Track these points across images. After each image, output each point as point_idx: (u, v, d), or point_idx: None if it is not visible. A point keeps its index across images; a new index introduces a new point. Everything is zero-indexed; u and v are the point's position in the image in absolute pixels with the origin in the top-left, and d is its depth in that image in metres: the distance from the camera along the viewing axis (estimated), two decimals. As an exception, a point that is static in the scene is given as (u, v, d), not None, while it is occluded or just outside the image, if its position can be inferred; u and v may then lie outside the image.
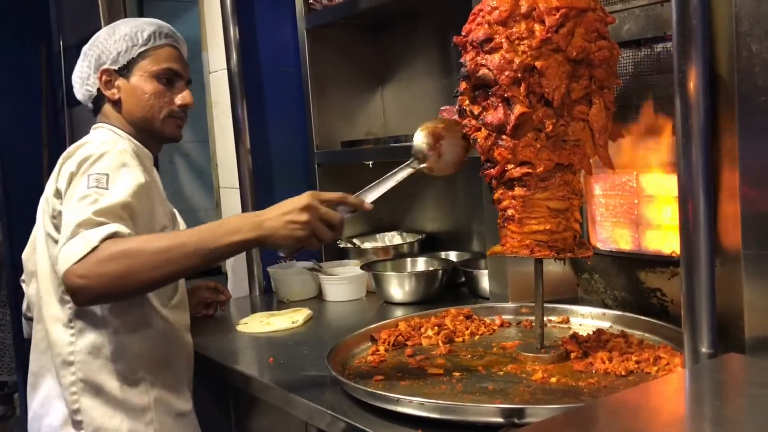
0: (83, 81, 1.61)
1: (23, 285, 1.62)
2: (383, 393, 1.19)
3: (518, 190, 1.31)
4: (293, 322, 1.86)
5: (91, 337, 1.45)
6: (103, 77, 1.57)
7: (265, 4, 2.38)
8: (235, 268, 2.39)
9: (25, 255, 1.59)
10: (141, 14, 3.05)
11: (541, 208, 1.31)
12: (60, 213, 1.40)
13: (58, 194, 1.43)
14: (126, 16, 2.52)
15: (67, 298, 1.43)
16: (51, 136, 3.81)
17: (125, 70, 1.57)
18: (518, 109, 1.25)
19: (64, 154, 1.47)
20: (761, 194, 1.17)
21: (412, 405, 1.14)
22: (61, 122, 3.76)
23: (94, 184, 1.35)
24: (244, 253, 2.27)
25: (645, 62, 1.50)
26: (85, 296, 1.28)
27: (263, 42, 2.38)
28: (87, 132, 1.64)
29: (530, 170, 1.29)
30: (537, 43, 1.23)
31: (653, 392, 0.99)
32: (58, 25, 3.76)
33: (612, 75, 1.30)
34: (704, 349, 1.06)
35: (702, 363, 1.05)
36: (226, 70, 2.27)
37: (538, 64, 1.24)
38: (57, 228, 1.42)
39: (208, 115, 2.54)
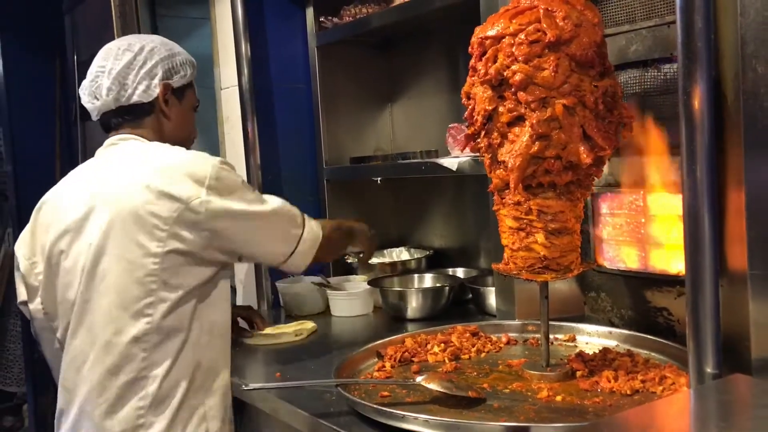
0: (144, 84, 1.58)
1: (23, 307, 1.59)
2: (389, 410, 1.20)
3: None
4: (296, 336, 1.88)
5: (165, 352, 1.44)
6: (163, 90, 1.60)
7: (276, 22, 2.41)
8: (243, 282, 2.41)
9: (25, 269, 1.56)
10: (155, 30, 3.08)
11: (503, 223, 1.38)
12: (212, 214, 1.44)
13: (171, 198, 1.43)
14: (140, 33, 2.56)
15: (149, 311, 1.42)
16: (64, 149, 3.85)
17: (178, 92, 1.64)
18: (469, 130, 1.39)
19: (166, 170, 1.46)
20: (766, 214, 1.17)
21: (418, 422, 1.15)
22: (74, 136, 3.80)
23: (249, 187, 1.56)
24: (253, 268, 2.29)
25: (652, 83, 1.51)
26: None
27: (274, 59, 2.41)
28: (99, 145, 1.63)
29: (492, 186, 1.39)
30: (470, 72, 1.36)
31: (657, 412, 0.99)
32: (72, 41, 3.82)
33: (550, 95, 1.26)
34: (709, 370, 1.06)
35: (707, 383, 1.04)
36: (237, 86, 2.30)
37: (471, 91, 1.35)
38: (157, 228, 1.42)
39: (219, 130, 2.57)
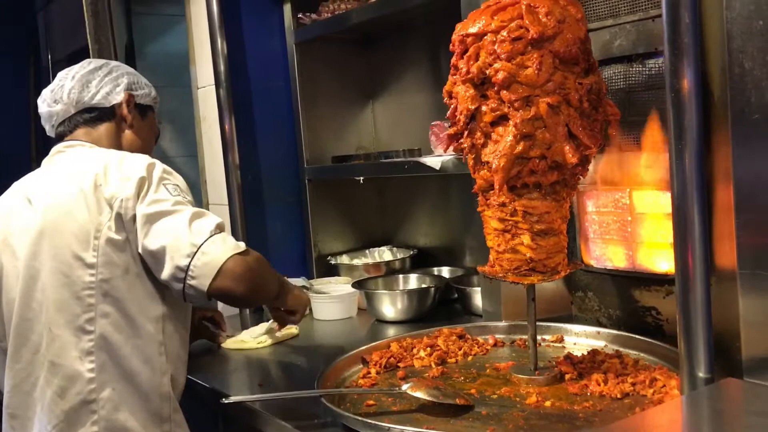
0: (107, 88, 1.56)
1: None
2: (374, 422, 1.16)
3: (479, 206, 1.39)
4: (258, 343, 1.83)
5: (114, 372, 1.36)
6: (128, 99, 1.58)
7: (253, 19, 2.35)
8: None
9: None
10: (129, 29, 3.02)
11: (488, 225, 1.35)
12: (132, 217, 1.36)
13: (102, 202, 1.37)
14: (113, 32, 2.49)
15: (89, 327, 1.34)
16: (39, 151, 3.78)
17: (141, 110, 1.62)
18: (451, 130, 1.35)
19: (100, 172, 1.40)
20: (756, 212, 1.15)
21: (404, 434, 1.12)
22: (50, 138, 3.73)
23: (177, 193, 1.40)
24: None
25: (636, 78, 1.48)
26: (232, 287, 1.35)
27: (252, 56, 2.35)
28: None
29: (476, 187, 1.36)
30: (452, 70, 1.32)
31: (650, 422, 0.96)
32: (46, 40, 3.74)
33: (532, 94, 1.23)
34: (701, 374, 1.03)
35: (699, 389, 1.02)
36: (214, 85, 2.25)
37: (453, 90, 1.32)
38: (119, 226, 1.36)
39: (196, 130, 2.51)
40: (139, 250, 1.37)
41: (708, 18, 1.31)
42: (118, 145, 1.58)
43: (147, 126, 1.65)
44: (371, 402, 1.31)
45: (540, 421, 1.19)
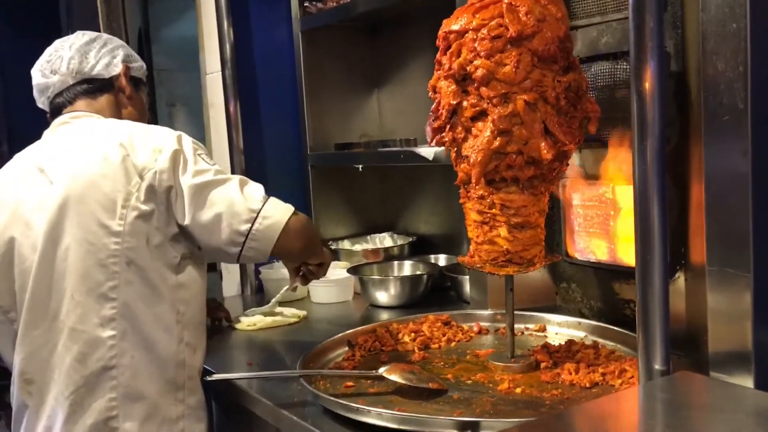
0: (106, 59, 1.57)
1: None
2: (344, 402, 1.22)
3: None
4: (248, 325, 1.91)
5: (134, 340, 1.38)
6: (125, 71, 1.60)
7: (260, 7, 2.40)
8: (228, 267, 2.44)
9: None
10: (145, 13, 3.08)
11: (468, 216, 1.39)
12: (167, 189, 1.38)
13: (130, 170, 1.39)
14: (125, 18, 2.56)
15: (112, 295, 1.37)
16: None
17: (135, 82, 1.64)
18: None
19: (126, 142, 1.41)
20: (724, 211, 1.17)
21: (371, 415, 1.17)
22: (70, 117, 3.82)
23: (213, 162, 1.47)
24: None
25: (623, 75, 1.50)
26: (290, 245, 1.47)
27: (258, 44, 2.40)
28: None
29: (457, 180, 1.40)
30: (436, 66, 1.37)
31: (603, 409, 1.01)
32: (67, 22, 3.82)
33: (511, 90, 1.27)
34: (657, 367, 1.07)
35: (653, 381, 1.06)
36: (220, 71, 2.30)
37: (437, 84, 1.37)
38: (149, 197, 1.38)
39: (204, 115, 2.58)
40: (186, 222, 1.40)
41: (687, 18, 1.33)
42: (118, 116, 1.59)
43: (140, 98, 1.68)
44: (350, 383, 1.37)
45: (507, 406, 1.24)
